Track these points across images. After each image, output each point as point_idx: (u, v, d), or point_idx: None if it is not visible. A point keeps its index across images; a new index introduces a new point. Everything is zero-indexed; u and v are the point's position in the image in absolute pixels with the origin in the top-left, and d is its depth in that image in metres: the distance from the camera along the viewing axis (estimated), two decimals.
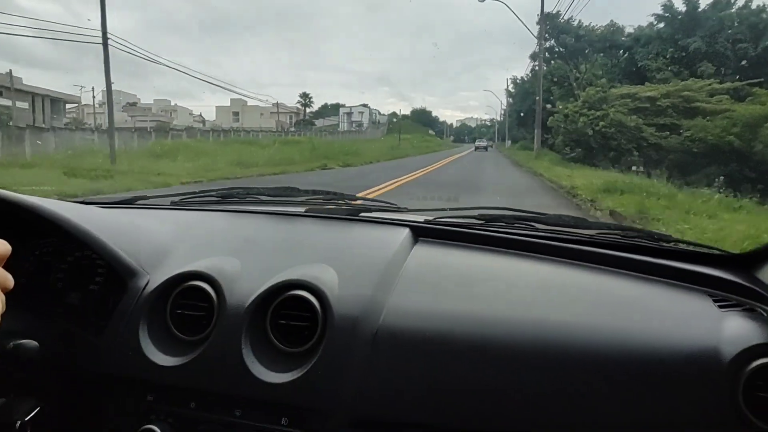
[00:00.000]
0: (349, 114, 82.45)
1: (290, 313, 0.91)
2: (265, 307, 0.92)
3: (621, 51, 27.41)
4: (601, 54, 28.49)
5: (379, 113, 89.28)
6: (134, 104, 61.66)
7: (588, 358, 0.80)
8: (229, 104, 63.15)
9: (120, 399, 0.94)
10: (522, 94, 43.47)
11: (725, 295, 0.96)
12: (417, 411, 0.83)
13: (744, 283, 0.98)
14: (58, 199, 1.28)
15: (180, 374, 0.89)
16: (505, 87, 48.77)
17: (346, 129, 69.63)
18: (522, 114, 44.36)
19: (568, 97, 29.19)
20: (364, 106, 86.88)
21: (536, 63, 34.52)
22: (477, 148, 50.24)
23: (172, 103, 68.60)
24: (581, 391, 0.79)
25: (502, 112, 67.47)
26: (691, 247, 1.20)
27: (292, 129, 50.56)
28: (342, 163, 17.98)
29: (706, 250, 1.16)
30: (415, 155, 29.90)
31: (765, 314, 0.88)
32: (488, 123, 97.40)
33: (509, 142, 47.59)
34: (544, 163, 18.28)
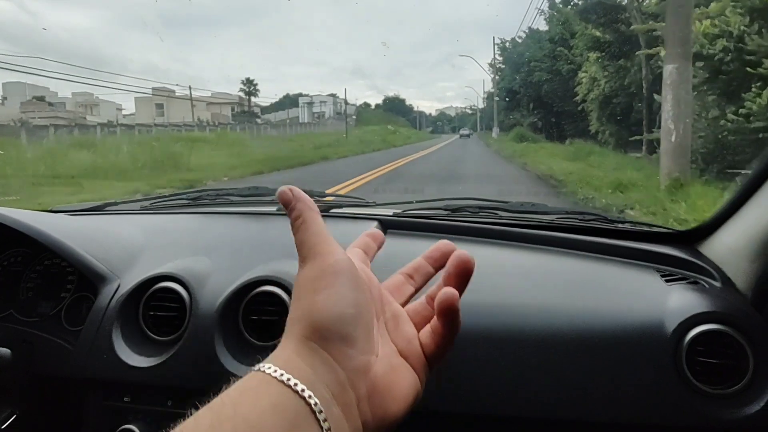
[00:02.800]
0: (310, 104, 69.48)
1: (261, 309, 0.91)
2: (237, 304, 0.91)
3: None
4: None
5: (346, 103, 76.35)
6: (41, 98, 48.42)
7: (547, 337, 0.83)
8: (150, 95, 49.53)
9: (97, 402, 0.93)
10: (513, 63, 30.59)
11: (672, 270, 0.99)
12: None
13: (688, 257, 1.01)
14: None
15: (155, 374, 0.88)
16: (490, 60, 35.07)
17: (307, 121, 57.71)
18: (516, 91, 31.22)
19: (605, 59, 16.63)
20: (332, 95, 74.43)
21: None
22: (461, 135, 55.68)
23: (95, 96, 55.23)
24: (542, 366, 0.81)
25: (485, 95, 54.77)
26: (642, 227, 1.23)
27: (212, 124, 37.38)
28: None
29: (655, 229, 1.20)
30: (347, 157, 17.10)
31: (707, 286, 0.92)
32: (469, 111, 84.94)
33: (497, 130, 34.72)
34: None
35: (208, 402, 0.35)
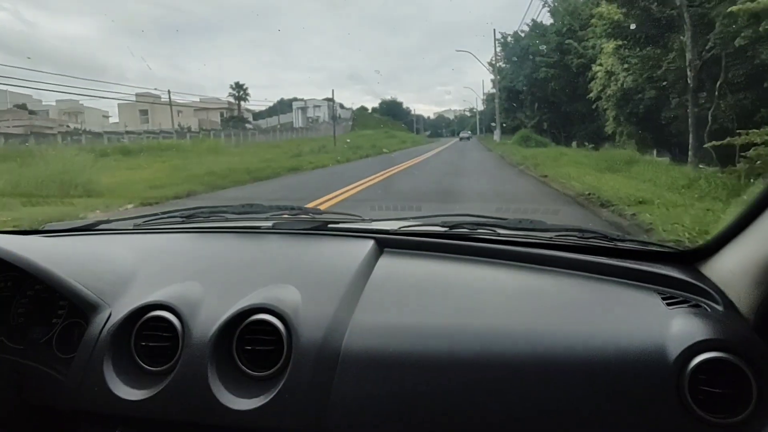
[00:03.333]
0: (304, 109, 66.89)
1: (256, 338, 0.87)
2: (230, 333, 0.88)
3: None
4: None
5: (342, 107, 73.84)
6: (23, 106, 46.00)
7: (547, 364, 0.80)
8: (134, 101, 46.94)
9: None
10: (516, 60, 28.04)
11: (673, 292, 0.96)
12: (384, 426, 0.82)
13: (689, 279, 0.97)
14: (16, 229, 1.31)
15: (147, 407, 0.85)
16: (490, 59, 32.40)
17: (301, 126, 55.50)
18: (519, 90, 28.66)
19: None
20: (327, 100, 71.82)
21: None
22: (461, 138, 53.88)
23: (80, 103, 52.60)
24: (542, 395, 0.79)
25: (484, 96, 52.01)
26: (644, 246, 1.18)
27: (195, 131, 35.08)
28: None
29: (657, 248, 1.15)
30: (325, 167, 14.47)
31: (709, 309, 0.89)
32: (468, 113, 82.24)
33: (499, 132, 32.03)
34: None
35: None
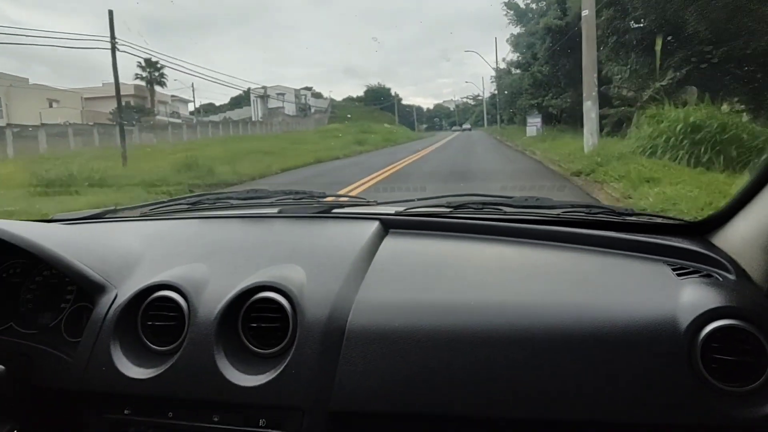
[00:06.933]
0: (264, 98, 50.92)
1: (261, 315, 0.88)
2: (236, 311, 0.88)
3: None
4: None
5: (318, 96, 57.90)
6: None
7: (556, 336, 0.79)
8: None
9: (96, 414, 0.90)
10: None
11: (683, 263, 0.95)
12: (390, 401, 0.82)
13: (700, 250, 0.96)
14: (23, 219, 1.22)
15: (155, 385, 0.86)
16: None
17: (259, 119, 40.40)
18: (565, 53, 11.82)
19: None
20: (306, 89, 56.28)
21: None
22: (464, 129, 51.90)
23: None
24: (552, 368, 0.78)
25: (492, 79, 35.57)
26: (652, 219, 1.18)
27: (69, 125, 19.26)
28: None
29: (666, 221, 1.15)
30: None
31: (720, 279, 0.88)
32: (471, 102, 66.00)
33: (539, 122, 15.66)
34: None
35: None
